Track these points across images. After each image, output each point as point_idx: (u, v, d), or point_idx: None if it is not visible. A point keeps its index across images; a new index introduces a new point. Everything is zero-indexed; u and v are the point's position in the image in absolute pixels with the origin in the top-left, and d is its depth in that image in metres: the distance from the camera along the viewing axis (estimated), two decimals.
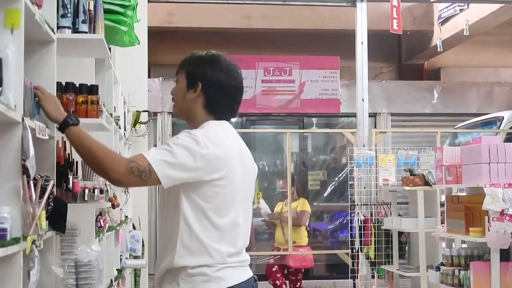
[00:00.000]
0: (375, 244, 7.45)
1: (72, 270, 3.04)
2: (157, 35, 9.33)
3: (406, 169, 7.12)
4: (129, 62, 6.71)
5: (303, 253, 8.00)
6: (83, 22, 2.99)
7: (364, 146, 8.07)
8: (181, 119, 2.59)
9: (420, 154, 7.45)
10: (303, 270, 8.22)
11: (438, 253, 6.64)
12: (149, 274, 6.96)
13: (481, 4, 9.29)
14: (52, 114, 2.44)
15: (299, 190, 8.39)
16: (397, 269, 7.11)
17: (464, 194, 6.04)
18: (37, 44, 2.54)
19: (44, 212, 2.24)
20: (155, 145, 9.42)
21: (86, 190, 3.10)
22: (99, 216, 3.80)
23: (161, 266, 2.44)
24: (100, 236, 3.65)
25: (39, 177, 2.24)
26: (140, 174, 2.30)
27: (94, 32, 3.10)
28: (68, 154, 3.03)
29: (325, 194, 10.62)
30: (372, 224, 7.48)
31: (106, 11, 3.35)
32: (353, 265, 7.70)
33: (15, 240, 1.99)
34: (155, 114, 9.52)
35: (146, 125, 7.35)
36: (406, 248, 7.41)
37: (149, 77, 8.85)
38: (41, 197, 2.23)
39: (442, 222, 6.27)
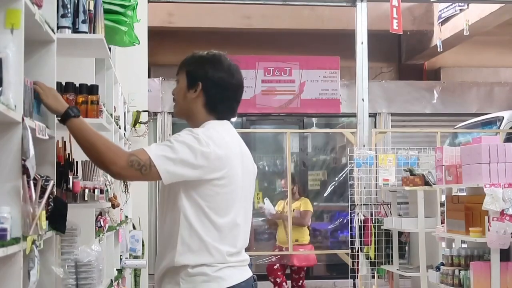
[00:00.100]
0: (375, 244, 7.44)
1: (72, 270, 3.04)
2: (157, 35, 9.32)
3: (406, 169, 7.11)
4: (129, 62, 6.71)
5: (305, 252, 8.00)
6: (83, 22, 2.99)
7: (364, 146, 8.06)
8: (182, 119, 2.59)
9: (420, 154, 7.44)
10: (305, 268, 8.21)
11: (438, 253, 6.64)
12: (149, 274, 6.96)
13: (481, 4, 9.29)
14: (53, 106, 2.43)
15: (300, 189, 8.39)
16: (397, 269, 7.11)
17: (464, 194, 6.04)
18: (37, 44, 2.54)
19: (44, 212, 2.24)
20: None
21: (86, 190, 3.09)
22: (99, 216, 3.80)
23: (161, 265, 2.43)
24: (100, 236, 3.65)
25: (39, 177, 2.24)
26: (140, 168, 2.30)
27: (94, 32, 3.10)
28: (68, 154, 3.02)
29: (325, 194, 10.60)
30: (372, 224, 7.48)
31: (106, 11, 3.35)
32: (353, 265, 7.69)
33: (15, 240, 1.98)
34: (155, 114, 9.50)
35: (146, 125, 7.35)
36: (406, 248, 7.40)
37: (149, 77, 8.85)
38: (41, 197, 2.23)
39: (442, 222, 6.26)
